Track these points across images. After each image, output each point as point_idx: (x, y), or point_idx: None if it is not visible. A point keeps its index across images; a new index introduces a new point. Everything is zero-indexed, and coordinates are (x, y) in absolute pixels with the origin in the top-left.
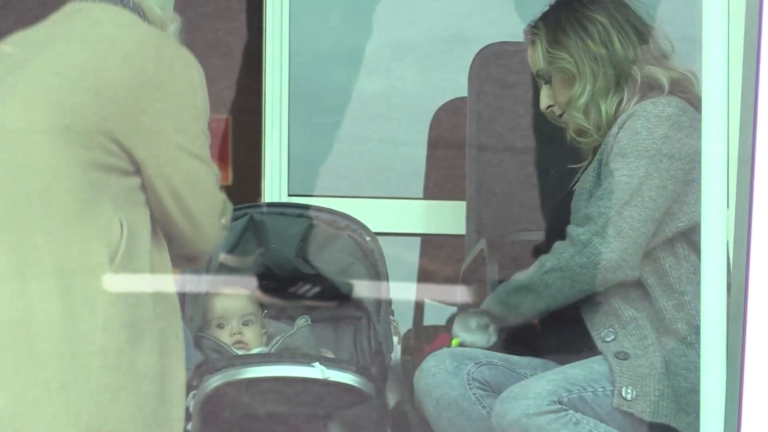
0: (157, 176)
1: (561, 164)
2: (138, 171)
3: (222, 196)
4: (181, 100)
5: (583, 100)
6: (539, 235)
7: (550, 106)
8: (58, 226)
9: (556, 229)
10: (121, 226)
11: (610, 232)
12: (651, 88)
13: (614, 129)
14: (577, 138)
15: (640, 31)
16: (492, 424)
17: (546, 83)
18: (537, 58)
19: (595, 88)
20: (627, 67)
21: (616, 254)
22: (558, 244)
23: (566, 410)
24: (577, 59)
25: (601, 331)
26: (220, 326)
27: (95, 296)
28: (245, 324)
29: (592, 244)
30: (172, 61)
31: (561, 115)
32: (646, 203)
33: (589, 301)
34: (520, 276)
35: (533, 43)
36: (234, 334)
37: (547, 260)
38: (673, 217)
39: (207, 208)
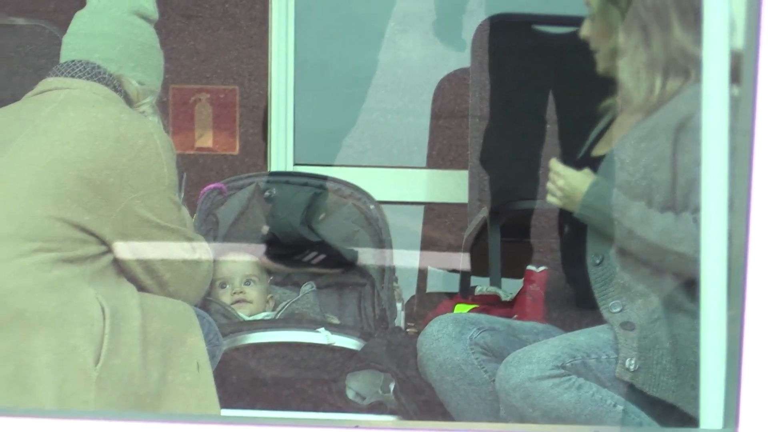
0: (126, 253)
1: (564, 132)
2: (110, 250)
3: (196, 257)
4: (147, 176)
5: (627, 61)
6: (540, 204)
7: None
8: (46, 335)
9: None
10: (102, 309)
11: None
12: None
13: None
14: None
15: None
16: (494, 389)
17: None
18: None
19: (638, 57)
20: (682, 49)
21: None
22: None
23: (569, 375)
24: (627, 25)
25: (609, 301)
26: (222, 286)
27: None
28: (247, 283)
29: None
30: (134, 140)
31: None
32: None
33: (600, 271)
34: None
35: None
36: (236, 293)
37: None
38: None
39: (182, 276)
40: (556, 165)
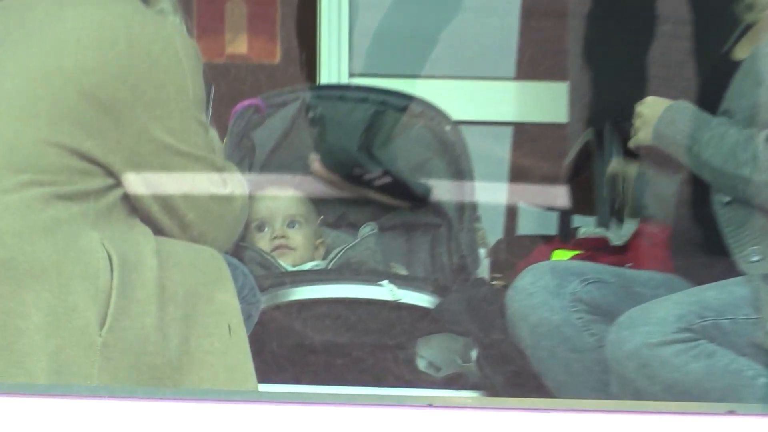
0: (140, 187)
1: (700, 32)
2: (119, 184)
3: (228, 191)
4: (166, 90)
5: None
6: None
7: None
8: (39, 291)
9: (707, 105)
10: (109, 258)
11: None
12: None
13: None
14: None
15: None
16: (603, 356)
17: None
18: None
19: None
20: None
21: None
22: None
23: (697, 339)
24: None
25: (745, 248)
26: (260, 228)
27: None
28: (290, 225)
29: None
30: (150, 45)
31: None
32: None
33: (730, 212)
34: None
35: None
36: (276, 237)
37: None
38: None
39: (209, 216)
40: None
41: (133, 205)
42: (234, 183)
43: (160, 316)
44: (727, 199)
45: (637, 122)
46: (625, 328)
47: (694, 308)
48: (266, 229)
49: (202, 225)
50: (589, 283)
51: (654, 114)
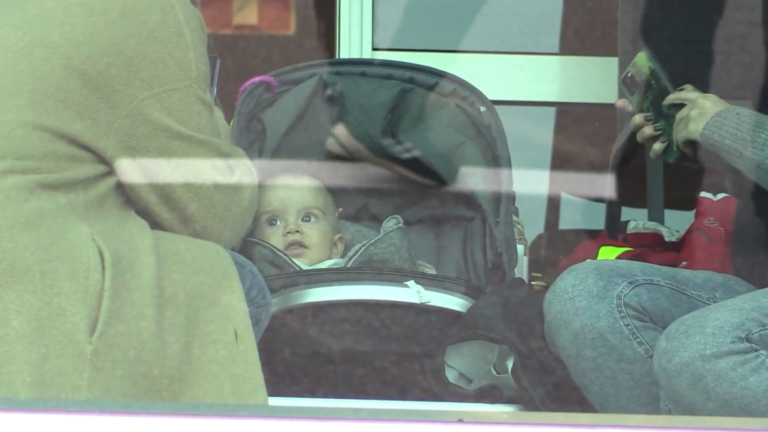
0: (135, 175)
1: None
2: (112, 172)
3: (235, 180)
4: (165, 65)
5: None
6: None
7: None
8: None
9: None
10: (101, 255)
11: None
12: None
13: None
14: None
15: None
16: (652, 367)
17: None
18: None
19: None
20: None
21: None
22: None
23: (757, 350)
24: None
25: None
26: (271, 222)
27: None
28: (306, 219)
29: None
30: (146, 15)
31: None
32: None
33: None
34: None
35: None
36: (290, 232)
37: None
38: None
39: (213, 209)
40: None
41: (127, 196)
42: (242, 170)
43: (158, 321)
44: None
45: (693, 111)
46: (675, 339)
47: (754, 315)
48: (278, 223)
49: (205, 218)
50: (637, 286)
51: (713, 109)
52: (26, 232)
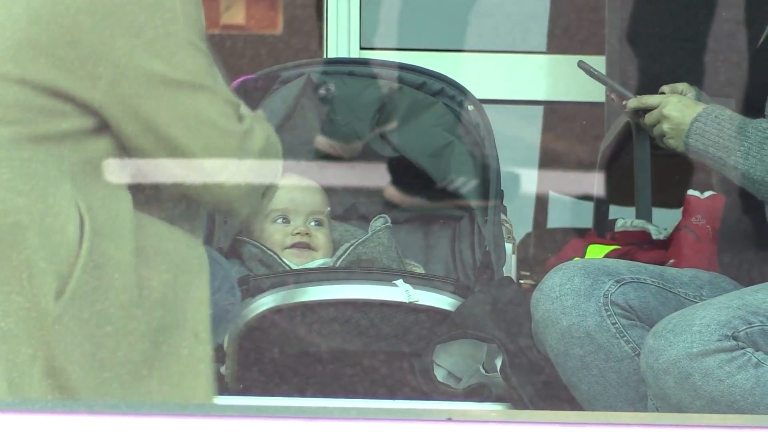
0: (130, 127)
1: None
2: (104, 127)
3: (245, 128)
4: (149, 10)
5: None
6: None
7: None
8: None
9: (750, 97)
10: (81, 219)
11: None
12: None
13: None
14: None
15: None
16: (640, 366)
17: None
18: None
19: None
20: None
21: None
22: None
23: (744, 348)
24: None
25: None
26: (282, 220)
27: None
28: (317, 224)
29: None
30: None
31: None
32: None
33: None
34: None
35: None
36: (298, 233)
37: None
38: None
39: (215, 151)
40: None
41: (119, 164)
42: (253, 119)
43: (129, 301)
44: None
45: (665, 126)
46: (662, 337)
47: (741, 313)
48: (289, 222)
49: (212, 173)
50: (624, 284)
51: (684, 119)
52: (8, 184)
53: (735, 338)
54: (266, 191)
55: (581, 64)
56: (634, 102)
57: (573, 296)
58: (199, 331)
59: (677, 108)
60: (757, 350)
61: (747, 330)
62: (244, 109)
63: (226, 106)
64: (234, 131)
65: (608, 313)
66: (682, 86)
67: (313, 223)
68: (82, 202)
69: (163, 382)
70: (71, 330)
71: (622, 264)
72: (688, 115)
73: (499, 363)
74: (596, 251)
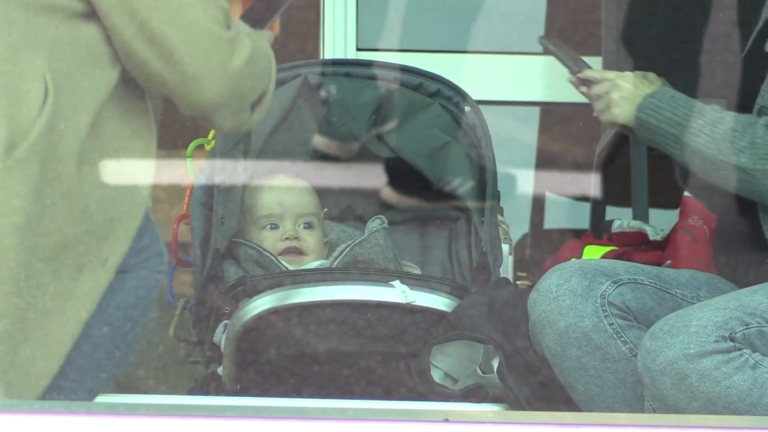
0: (118, 17)
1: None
2: (93, 14)
3: (231, 35)
4: None
5: None
6: (705, 102)
7: None
8: None
9: (741, 98)
10: (46, 89)
11: None
12: None
13: None
14: None
15: None
16: (637, 367)
17: None
18: None
19: None
20: None
21: None
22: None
23: (741, 349)
24: None
25: None
26: (271, 227)
27: None
28: (307, 227)
29: None
30: None
31: None
32: None
33: None
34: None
35: None
36: (288, 238)
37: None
38: None
39: (200, 51)
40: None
41: (100, 55)
42: (241, 30)
43: (68, 191)
44: None
45: (614, 94)
46: (659, 338)
47: (737, 314)
48: (276, 228)
49: (193, 64)
50: (621, 285)
51: (637, 92)
52: None
53: (732, 339)
54: (255, 105)
55: (540, 40)
56: (591, 72)
57: (570, 297)
58: (108, 260)
59: (633, 82)
60: (754, 351)
61: (744, 331)
62: (239, 23)
63: (215, 10)
64: (219, 35)
65: (605, 313)
66: (651, 76)
67: (302, 226)
68: (50, 77)
69: (62, 276)
70: (13, 189)
71: (619, 265)
72: (642, 89)
73: (495, 364)
74: (593, 252)
